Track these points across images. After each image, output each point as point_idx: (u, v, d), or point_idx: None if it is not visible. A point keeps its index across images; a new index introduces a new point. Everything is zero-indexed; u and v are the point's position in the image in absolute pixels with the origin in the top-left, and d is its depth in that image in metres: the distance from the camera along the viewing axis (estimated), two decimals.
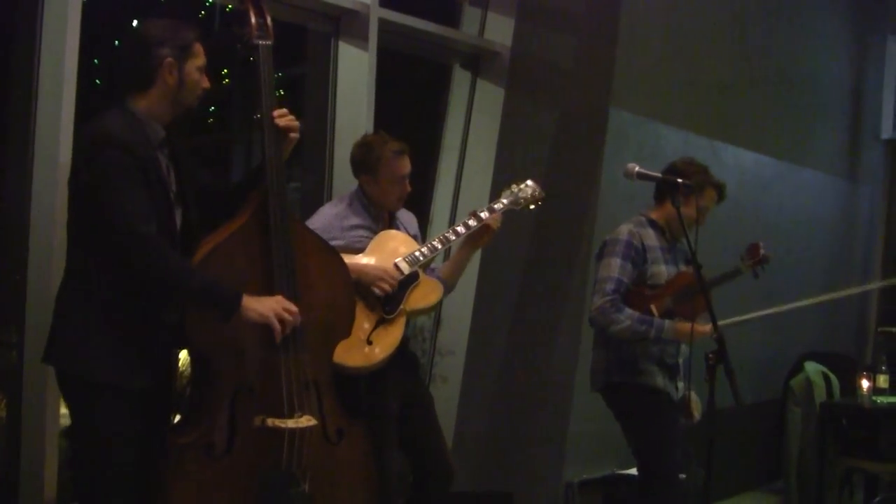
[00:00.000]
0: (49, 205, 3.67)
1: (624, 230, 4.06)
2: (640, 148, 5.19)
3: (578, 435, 5.12)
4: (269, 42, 3.22)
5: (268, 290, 3.10)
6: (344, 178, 4.40)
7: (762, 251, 4.09)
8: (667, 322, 3.94)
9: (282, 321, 3.04)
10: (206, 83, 3.09)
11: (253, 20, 3.21)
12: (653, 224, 4.12)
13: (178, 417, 3.29)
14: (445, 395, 5.47)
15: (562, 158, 5.29)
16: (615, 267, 3.99)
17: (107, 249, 2.90)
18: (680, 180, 3.43)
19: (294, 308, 3.08)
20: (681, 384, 4.12)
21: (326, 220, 3.86)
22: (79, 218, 2.98)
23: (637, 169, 3.54)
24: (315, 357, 3.23)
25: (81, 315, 2.93)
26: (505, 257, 5.44)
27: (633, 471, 4.38)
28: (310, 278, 3.23)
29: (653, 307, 3.97)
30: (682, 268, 4.09)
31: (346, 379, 3.52)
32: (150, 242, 2.88)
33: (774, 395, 6.37)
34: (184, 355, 3.45)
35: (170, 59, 2.99)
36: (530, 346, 5.33)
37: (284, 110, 3.24)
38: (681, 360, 4.12)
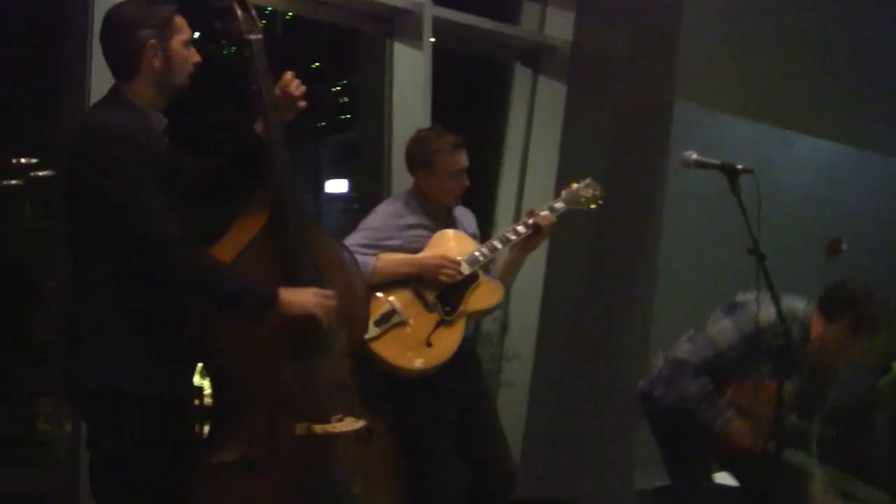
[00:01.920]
0: None
1: (765, 313, 3.52)
2: (707, 141, 5.10)
3: (652, 439, 5.05)
4: (259, 36, 3.08)
5: None
6: (402, 181, 4.42)
7: (843, 245, 3.91)
8: (727, 422, 3.71)
9: (327, 310, 2.97)
10: (195, 57, 2.92)
11: (240, 15, 3.08)
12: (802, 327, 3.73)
13: (205, 433, 3.20)
14: (512, 400, 5.46)
15: (626, 154, 5.26)
16: (725, 341, 3.75)
17: (120, 255, 2.73)
18: (740, 166, 3.36)
19: (331, 294, 3.00)
20: None
21: (382, 219, 3.87)
22: (82, 224, 2.80)
23: (694, 157, 3.46)
24: (342, 354, 3.15)
25: (97, 325, 2.77)
26: (570, 259, 5.43)
27: (717, 476, 4.27)
28: (326, 273, 3.13)
29: (728, 391, 3.75)
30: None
31: (364, 374, 3.42)
32: (180, 245, 2.74)
33: (859, 397, 6.22)
34: None
35: (152, 41, 2.82)
36: (598, 347, 5.30)
37: (289, 76, 3.11)
38: None
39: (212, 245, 3.03)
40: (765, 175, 3.34)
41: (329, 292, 3.01)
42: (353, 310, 3.26)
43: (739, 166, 3.36)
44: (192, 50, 2.92)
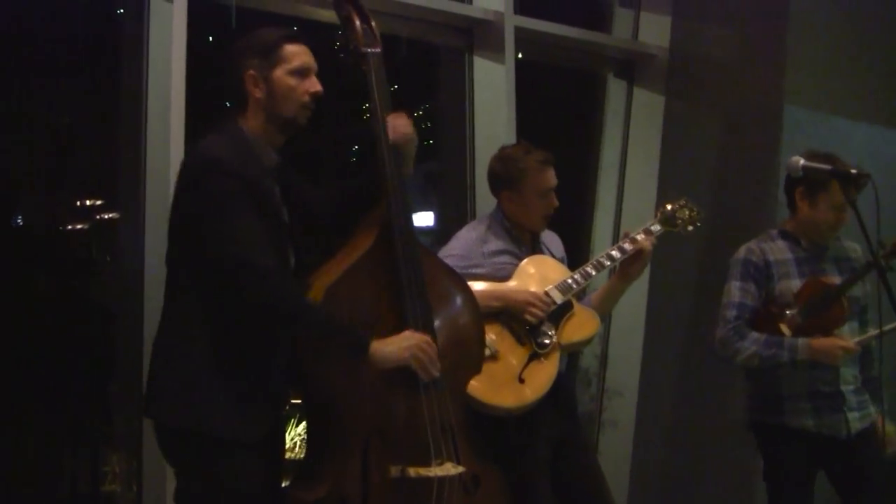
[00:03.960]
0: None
1: (742, 249, 3.95)
2: (821, 148, 4.95)
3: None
4: (378, 50, 3.12)
5: (400, 324, 3.01)
6: (487, 204, 4.37)
7: None
8: (800, 341, 3.73)
9: (420, 359, 2.94)
10: (312, 87, 2.92)
11: (358, 26, 3.12)
12: (784, 235, 3.95)
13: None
14: (616, 440, 5.41)
15: (733, 168, 5.17)
16: (734, 291, 3.88)
17: (214, 287, 2.77)
18: (854, 171, 3.28)
19: (428, 339, 2.98)
20: (853, 414, 3.82)
21: (466, 245, 3.81)
22: (182, 254, 2.86)
23: (802, 162, 3.35)
24: (450, 395, 3.11)
25: (187, 362, 2.81)
26: (675, 284, 5.34)
27: None
28: (436, 307, 3.12)
29: (782, 327, 3.79)
30: (833, 278, 3.85)
31: (478, 419, 3.41)
32: (269, 276, 2.76)
33: None
34: None
35: (251, 72, 2.87)
36: (708, 382, 5.16)
37: (401, 114, 3.15)
38: (847, 388, 3.83)
39: (320, 266, 3.08)
40: (890, 181, 3.18)
41: (424, 336, 2.99)
42: (464, 347, 3.24)
43: (853, 170, 3.31)
44: (311, 80, 2.93)
